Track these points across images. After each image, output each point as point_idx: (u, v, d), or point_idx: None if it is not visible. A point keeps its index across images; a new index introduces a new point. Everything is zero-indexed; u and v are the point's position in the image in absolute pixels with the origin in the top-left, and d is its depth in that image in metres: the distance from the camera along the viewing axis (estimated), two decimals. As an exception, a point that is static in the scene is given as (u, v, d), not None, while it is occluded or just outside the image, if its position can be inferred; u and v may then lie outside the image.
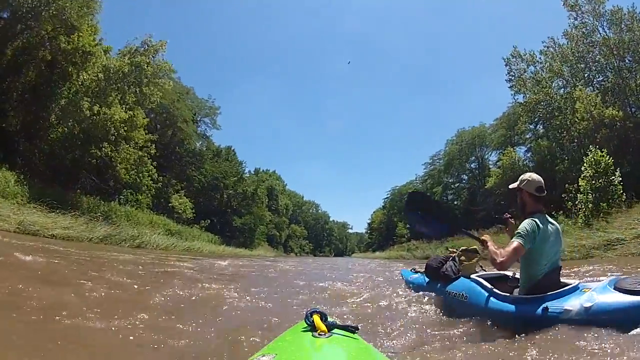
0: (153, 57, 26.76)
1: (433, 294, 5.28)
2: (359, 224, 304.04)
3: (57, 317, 3.55)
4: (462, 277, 4.70)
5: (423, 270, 5.95)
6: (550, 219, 3.82)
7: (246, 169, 58.52)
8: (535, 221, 3.61)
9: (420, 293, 5.62)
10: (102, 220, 20.55)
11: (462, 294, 4.39)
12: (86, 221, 18.69)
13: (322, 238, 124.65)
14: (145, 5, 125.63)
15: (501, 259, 3.56)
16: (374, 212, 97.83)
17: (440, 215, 5.28)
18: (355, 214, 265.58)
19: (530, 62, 31.45)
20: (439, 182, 58.29)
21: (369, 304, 5.61)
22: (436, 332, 3.81)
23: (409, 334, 3.75)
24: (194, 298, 5.73)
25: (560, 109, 28.43)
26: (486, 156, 51.43)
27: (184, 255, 20.25)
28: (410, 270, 6.98)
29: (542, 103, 29.76)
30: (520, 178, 3.97)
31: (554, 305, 3.26)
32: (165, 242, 24.83)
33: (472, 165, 53.25)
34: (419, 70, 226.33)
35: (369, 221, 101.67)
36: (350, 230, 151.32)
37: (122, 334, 3.35)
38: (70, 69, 23.19)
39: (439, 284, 5.17)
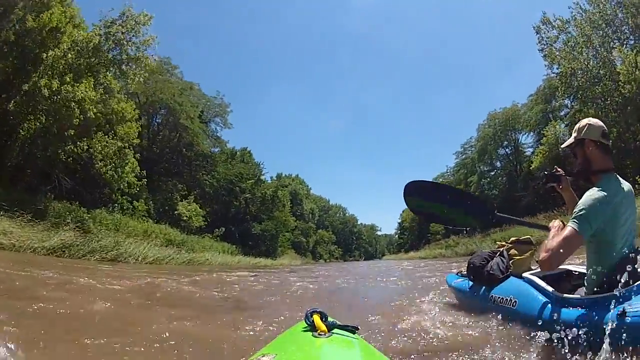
0: (134, 31, 22.14)
1: (478, 301, 4.14)
2: (387, 226, 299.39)
3: None
4: (511, 277, 3.79)
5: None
6: (622, 180, 2.84)
7: (266, 173, 53.50)
8: (602, 193, 2.61)
9: (463, 301, 4.79)
10: (72, 228, 16.86)
11: (510, 299, 3.50)
12: (45, 228, 15.64)
13: (351, 242, 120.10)
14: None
15: (543, 255, 2.59)
16: (403, 211, 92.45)
17: (466, 202, 4.01)
18: (383, 215, 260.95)
19: (562, 29, 29.05)
20: (473, 171, 54.44)
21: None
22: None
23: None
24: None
25: (599, 76, 26.67)
26: (521, 139, 48.19)
27: (166, 271, 15.52)
28: (457, 274, 5.23)
29: (579, 72, 27.57)
30: (576, 127, 2.93)
31: (634, 307, 2.35)
32: (157, 254, 20.09)
33: (506, 151, 49.72)
34: (442, 62, 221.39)
35: (399, 220, 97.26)
36: (379, 233, 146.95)
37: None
38: (37, 50, 19.24)
39: (483, 287, 4.12)
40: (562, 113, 38.11)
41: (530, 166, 37.84)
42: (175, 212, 32.63)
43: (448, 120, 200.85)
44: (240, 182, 44.76)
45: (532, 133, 44.73)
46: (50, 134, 19.03)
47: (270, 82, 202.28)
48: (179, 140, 40.51)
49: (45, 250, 13.90)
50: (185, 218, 32.53)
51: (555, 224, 3.03)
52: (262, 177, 50.44)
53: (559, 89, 30.87)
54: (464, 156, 58.28)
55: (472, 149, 55.34)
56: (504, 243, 4.48)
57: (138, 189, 25.57)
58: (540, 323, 2.84)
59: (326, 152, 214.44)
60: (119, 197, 27.02)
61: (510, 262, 4.05)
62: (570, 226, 2.59)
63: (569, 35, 28.69)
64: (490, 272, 4.05)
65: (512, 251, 4.17)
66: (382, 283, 11.46)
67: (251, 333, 3.89)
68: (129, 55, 22.04)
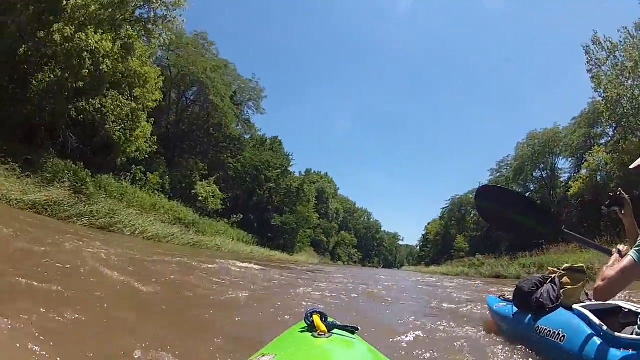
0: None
1: (521, 331, 3.84)
2: (409, 237, 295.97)
3: None
4: (560, 308, 3.47)
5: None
6: None
7: (294, 165, 51.20)
8: None
9: (504, 328, 4.41)
10: (67, 187, 15.55)
11: (559, 333, 3.17)
12: (35, 183, 14.72)
13: (372, 248, 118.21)
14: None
15: (599, 283, 2.37)
16: (429, 223, 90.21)
17: (534, 212, 3.86)
18: (407, 225, 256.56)
19: (611, 52, 27.58)
20: None
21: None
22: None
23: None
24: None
25: None
26: (558, 164, 45.48)
27: (161, 250, 13.69)
28: (499, 298, 5.02)
29: (625, 98, 26.41)
30: None
31: None
32: (159, 230, 18.18)
33: (542, 174, 46.82)
34: (483, 76, 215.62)
35: (423, 232, 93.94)
36: (400, 242, 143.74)
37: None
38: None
39: (529, 316, 3.75)
40: (602, 141, 36.09)
41: (568, 191, 35.83)
42: (193, 191, 30.78)
43: (483, 135, 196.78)
44: (267, 171, 42.79)
45: (570, 158, 42.82)
46: (62, 87, 17.38)
47: (312, 81, 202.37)
48: (207, 119, 38.93)
49: (23, 204, 12.37)
50: (201, 199, 30.58)
51: (620, 248, 2.81)
52: (290, 169, 48.39)
53: (604, 114, 29.24)
54: (498, 174, 55.48)
55: (508, 167, 52.74)
56: (555, 269, 4.06)
57: (147, 155, 23.55)
58: None
59: (357, 156, 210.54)
60: (134, 166, 25.51)
61: (561, 291, 3.72)
62: (631, 256, 2.26)
63: (617, 59, 27.33)
64: (540, 299, 3.71)
65: (565, 279, 3.82)
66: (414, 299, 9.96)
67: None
68: (156, 15, 20.43)
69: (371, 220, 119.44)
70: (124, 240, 14.09)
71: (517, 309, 4.09)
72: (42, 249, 6.12)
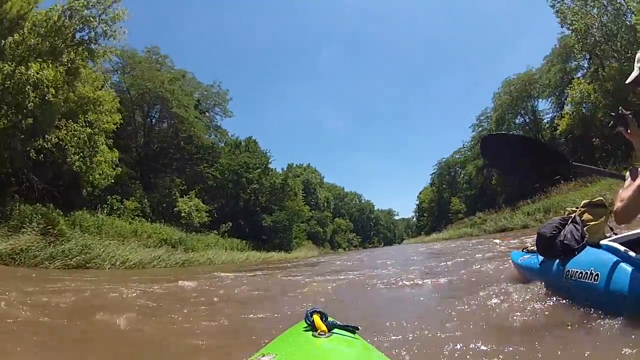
0: (102, 6, 19.69)
1: (551, 278, 3.63)
2: (404, 210, 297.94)
3: None
4: (587, 247, 3.25)
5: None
6: None
7: (274, 161, 50.31)
8: None
9: (533, 280, 4.06)
10: (37, 232, 14.76)
11: (590, 272, 2.92)
12: (2, 233, 14.09)
13: (369, 228, 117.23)
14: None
15: (617, 205, 2.35)
16: (421, 192, 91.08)
17: (541, 151, 3.67)
18: (400, 199, 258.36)
19: None
20: None
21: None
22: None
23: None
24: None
25: (614, 30, 26.15)
26: (538, 106, 45.89)
27: (138, 277, 12.85)
28: (522, 251, 4.85)
29: (594, 26, 26.92)
30: (638, 56, 2.41)
31: None
32: (143, 256, 17.34)
33: (525, 119, 47.12)
34: (443, 42, 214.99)
35: (417, 202, 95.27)
36: (396, 217, 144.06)
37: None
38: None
39: (556, 262, 3.53)
40: (579, 74, 35.87)
41: (555, 131, 36.43)
42: (175, 209, 29.82)
43: (459, 99, 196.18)
44: (247, 172, 41.72)
45: (550, 98, 42.69)
46: (16, 128, 16.49)
47: (275, 77, 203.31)
48: (176, 133, 37.93)
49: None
50: (184, 215, 29.64)
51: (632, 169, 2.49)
52: (270, 166, 47.21)
53: (575, 46, 29.86)
54: (480, 128, 54.95)
55: (489, 120, 52.14)
56: (574, 208, 3.82)
57: (113, 181, 22.56)
58: (629, 299, 2.52)
59: (336, 143, 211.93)
60: (109, 197, 24.60)
61: (584, 229, 3.46)
62: None
63: None
64: (564, 242, 3.45)
65: (586, 216, 3.58)
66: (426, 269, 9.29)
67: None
68: (97, 33, 19.50)
69: (362, 201, 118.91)
70: (106, 274, 13.32)
71: (542, 257, 3.91)
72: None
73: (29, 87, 15.73)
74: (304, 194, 59.75)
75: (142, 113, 36.90)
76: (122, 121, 24.27)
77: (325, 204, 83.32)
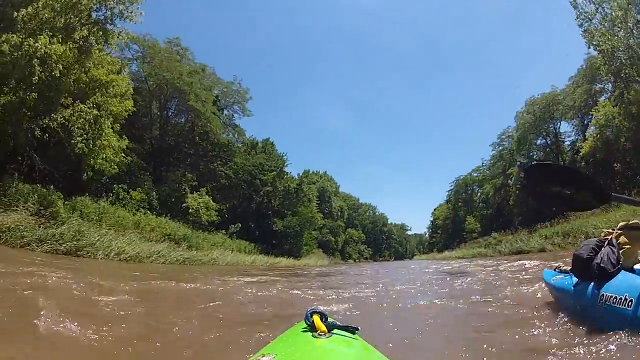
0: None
1: (584, 301, 3.45)
2: (416, 225, 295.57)
3: None
4: (622, 271, 3.16)
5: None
6: None
7: (290, 165, 49.01)
8: None
9: (565, 301, 4.04)
10: (31, 212, 13.99)
11: (624, 298, 2.84)
12: None
13: (381, 241, 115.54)
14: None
15: None
16: (435, 209, 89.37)
17: (583, 182, 3.20)
18: (413, 214, 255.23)
19: (599, 3, 27.00)
20: (511, 163, 49.41)
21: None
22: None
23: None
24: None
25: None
26: (560, 128, 44.43)
27: (130, 271, 11.88)
28: (554, 270, 4.74)
29: (620, 49, 25.98)
30: None
31: None
32: (142, 249, 16.29)
33: (546, 140, 45.52)
34: (472, 58, 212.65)
35: (431, 219, 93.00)
36: (409, 232, 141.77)
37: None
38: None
39: (591, 285, 3.38)
40: (603, 98, 34.73)
41: (576, 154, 35.74)
42: (183, 204, 28.78)
43: (479, 116, 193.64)
44: (261, 174, 40.65)
45: (574, 120, 41.47)
46: (21, 104, 15.61)
47: (300, 82, 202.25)
48: (192, 128, 37.04)
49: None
50: (191, 211, 28.57)
51: None
52: (286, 169, 46.11)
53: (601, 68, 28.75)
54: (500, 147, 54.34)
55: (510, 139, 51.10)
56: (611, 230, 3.68)
57: (118, 169, 21.64)
58: None
59: (354, 153, 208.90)
60: (115, 185, 23.70)
61: (620, 252, 3.38)
62: None
63: (605, 12, 26.77)
64: (601, 264, 3.33)
65: (622, 239, 3.47)
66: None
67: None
68: (113, 13, 18.61)
69: (377, 214, 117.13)
70: (99, 264, 12.31)
71: (577, 279, 3.80)
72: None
73: (36, 60, 14.77)
74: (318, 202, 58.64)
75: (159, 105, 36.06)
76: (134, 109, 23.32)
77: (339, 213, 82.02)
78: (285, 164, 45.02)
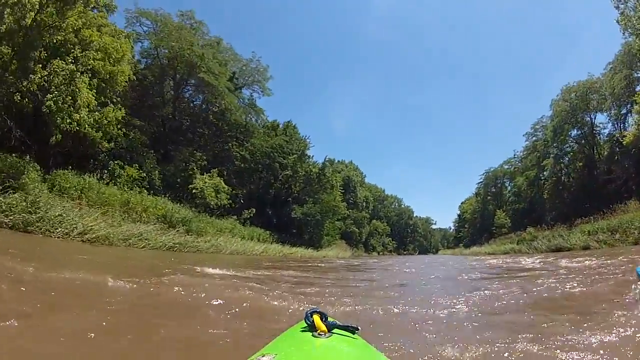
0: None
1: None
2: (441, 220, 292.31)
3: None
4: None
5: None
6: None
7: (312, 148, 45.60)
8: None
9: None
10: None
11: None
12: None
13: (406, 235, 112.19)
14: None
15: None
16: (462, 203, 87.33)
17: None
18: (438, 208, 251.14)
19: None
20: (546, 154, 46.11)
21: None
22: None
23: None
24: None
25: None
26: (596, 120, 40.91)
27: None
28: None
29: None
30: None
31: None
32: (117, 230, 13.59)
33: (583, 131, 41.89)
34: (496, 55, 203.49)
35: (458, 212, 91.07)
36: (433, 226, 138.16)
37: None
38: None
39: None
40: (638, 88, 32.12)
41: (617, 145, 33.98)
42: (190, 186, 26.08)
43: (508, 110, 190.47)
44: (281, 157, 37.72)
45: (612, 109, 38.04)
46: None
47: (328, 78, 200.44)
48: (207, 107, 34.40)
49: None
50: (196, 192, 25.72)
51: None
52: (308, 152, 42.90)
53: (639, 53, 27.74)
54: (534, 138, 51.21)
55: (544, 129, 48.06)
56: None
57: (111, 141, 19.50)
58: None
59: (378, 147, 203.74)
60: (111, 162, 21.20)
61: None
62: None
63: None
64: None
65: None
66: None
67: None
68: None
69: (402, 206, 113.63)
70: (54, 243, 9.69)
71: None
72: None
73: (8, 10, 12.20)
74: (343, 191, 55.18)
75: (173, 84, 33.50)
76: (132, 76, 21.64)
77: (364, 203, 78.76)
78: (308, 146, 42.09)
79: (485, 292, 7.24)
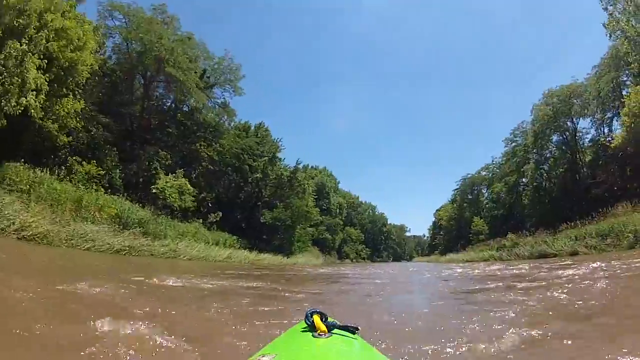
0: None
1: None
2: (415, 227, 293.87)
3: None
4: None
5: None
6: None
7: (284, 150, 44.42)
8: None
9: None
10: None
11: None
12: None
13: (380, 242, 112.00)
14: None
15: None
16: (438, 210, 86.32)
17: None
18: (412, 216, 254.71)
19: None
20: (526, 160, 45.33)
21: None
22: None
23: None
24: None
25: None
26: (579, 124, 40.40)
27: None
28: None
29: None
30: None
31: None
32: (62, 230, 12.46)
33: (565, 136, 41.43)
34: (479, 58, 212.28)
35: (433, 220, 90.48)
36: (407, 234, 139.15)
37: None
38: None
39: None
40: (625, 92, 31.52)
41: (601, 149, 33.63)
42: (153, 186, 24.71)
43: (487, 116, 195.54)
44: (251, 159, 36.60)
45: (595, 115, 37.30)
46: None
47: (307, 81, 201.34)
48: (177, 107, 33.19)
49: None
50: (156, 192, 24.08)
51: None
52: (279, 155, 41.99)
53: (630, 54, 27.31)
54: (514, 144, 50.42)
55: (524, 135, 47.50)
56: None
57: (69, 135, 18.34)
58: None
59: (356, 151, 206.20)
60: (69, 157, 20.00)
61: None
62: None
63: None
64: None
65: None
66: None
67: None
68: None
69: (376, 213, 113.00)
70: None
71: None
72: None
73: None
74: (316, 197, 54.22)
75: (143, 80, 32.20)
76: (95, 64, 20.70)
77: (338, 210, 77.81)
78: (279, 149, 41.10)
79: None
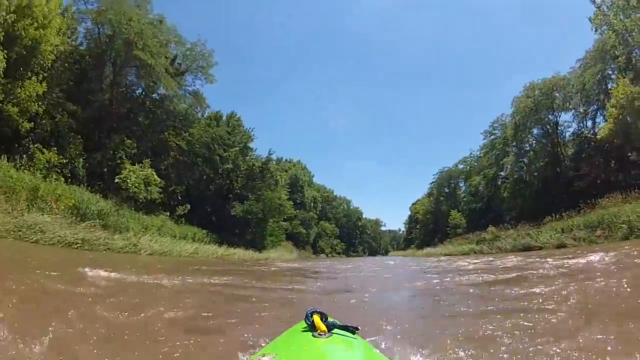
0: None
1: None
2: (391, 222, 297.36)
3: None
4: None
5: None
6: None
7: (260, 152, 43.70)
8: None
9: None
10: None
11: None
12: None
13: (355, 236, 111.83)
14: None
15: None
16: (414, 203, 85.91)
17: None
18: (388, 210, 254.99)
19: None
20: (505, 152, 45.64)
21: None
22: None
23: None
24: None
25: None
26: (561, 118, 40.37)
27: None
28: None
29: (634, 31, 25.34)
30: None
31: None
32: (10, 221, 11.74)
33: (546, 129, 41.15)
34: (454, 54, 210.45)
35: (409, 213, 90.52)
36: (383, 228, 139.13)
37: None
38: None
39: None
40: (610, 85, 32.07)
41: (586, 143, 34.18)
42: (117, 177, 23.59)
43: (464, 113, 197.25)
44: (221, 149, 35.77)
45: (578, 108, 37.76)
46: None
47: (281, 77, 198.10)
48: (147, 94, 32.12)
49: None
50: (119, 182, 22.91)
51: None
52: (251, 145, 41.20)
53: (617, 47, 27.45)
54: (492, 136, 50.61)
55: (503, 127, 47.85)
56: None
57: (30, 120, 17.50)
58: None
59: (330, 146, 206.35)
60: (31, 145, 19.10)
61: None
62: None
63: None
64: None
65: None
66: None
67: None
68: None
69: (351, 208, 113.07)
70: None
71: None
72: None
73: None
74: (290, 191, 53.35)
75: (113, 69, 30.97)
76: (62, 49, 20.92)
77: (312, 204, 77.45)
78: (251, 138, 40.34)
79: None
